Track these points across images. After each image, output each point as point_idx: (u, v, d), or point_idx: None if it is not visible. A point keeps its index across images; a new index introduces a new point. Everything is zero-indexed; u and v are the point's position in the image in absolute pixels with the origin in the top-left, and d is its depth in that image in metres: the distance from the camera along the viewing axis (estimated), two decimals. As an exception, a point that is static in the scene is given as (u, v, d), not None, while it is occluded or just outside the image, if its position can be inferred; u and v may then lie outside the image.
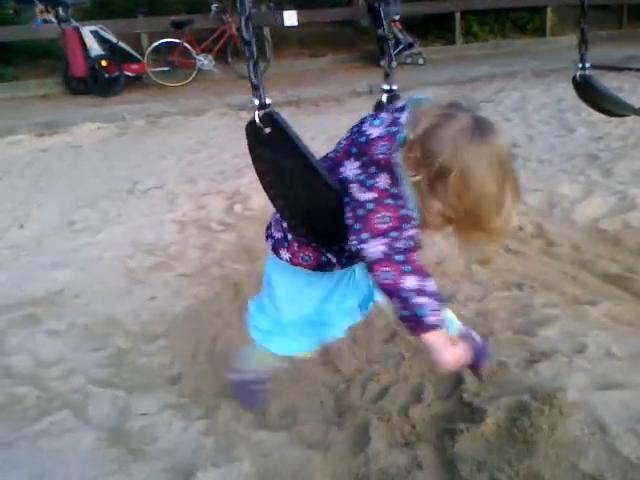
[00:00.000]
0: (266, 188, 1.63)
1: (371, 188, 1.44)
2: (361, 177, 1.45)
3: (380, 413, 1.95)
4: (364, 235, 1.45)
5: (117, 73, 9.23)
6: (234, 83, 9.74)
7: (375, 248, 1.44)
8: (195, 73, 10.03)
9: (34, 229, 3.93)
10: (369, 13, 11.10)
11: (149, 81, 9.79)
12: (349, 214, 1.47)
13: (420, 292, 1.44)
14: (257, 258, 3.22)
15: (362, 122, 1.56)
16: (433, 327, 1.46)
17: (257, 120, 1.55)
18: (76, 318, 2.68)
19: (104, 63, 9.07)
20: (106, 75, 9.15)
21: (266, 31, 10.92)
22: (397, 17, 10.74)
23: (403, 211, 1.43)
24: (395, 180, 1.42)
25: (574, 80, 2.92)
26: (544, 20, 13.42)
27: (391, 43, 9.92)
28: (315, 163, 1.52)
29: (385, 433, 1.85)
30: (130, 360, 2.37)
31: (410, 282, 1.44)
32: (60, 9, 9.07)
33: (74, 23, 9.04)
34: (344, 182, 1.48)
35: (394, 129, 1.44)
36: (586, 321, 2.35)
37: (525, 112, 6.66)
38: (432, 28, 13.01)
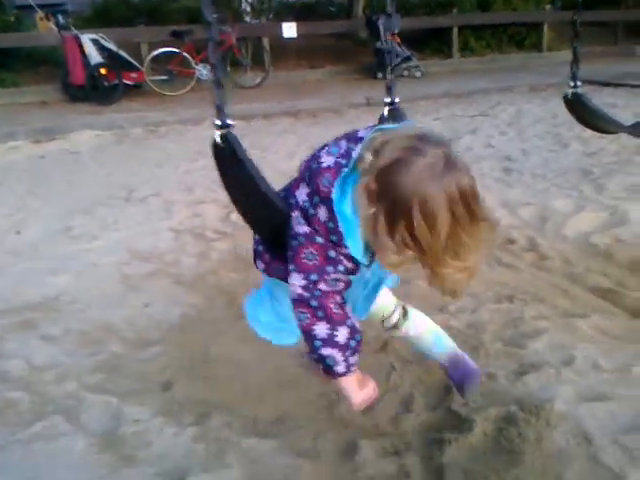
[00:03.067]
0: (232, 202, 1.73)
1: (311, 219, 1.43)
2: (306, 204, 1.45)
3: (370, 422, 1.98)
4: (291, 267, 1.48)
5: (116, 81, 9.28)
6: (232, 93, 9.80)
7: (295, 285, 1.46)
8: (194, 82, 10.08)
9: (31, 235, 3.95)
10: (367, 26, 11.23)
11: (148, 89, 9.84)
12: (289, 240, 1.50)
13: (329, 342, 1.46)
14: (252, 267, 3.24)
15: (324, 147, 1.54)
16: (340, 375, 1.51)
17: (218, 139, 1.68)
18: (72, 324, 2.70)
19: (103, 71, 9.12)
20: (105, 83, 9.20)
21: (265, 42, 11.00)
22: (396, 30, 10.83)
23: (331, 252, 1.42)
24: (332, 215, 1.38)
25: (565, 97, 2.98)
26: (541, 36, 13.55)
27: (389, 56, 9.92)
28: (264, 187, 1.59)
29: (374, 442, 1.87)
30: (124, 366, 2.39)
31: (321, 330, 1.46)
32: (60, 17, 9.14)
33: (74, 31, 9.10)
34: (293, 207, 1.49)
35: (343, 162, 1.40)
36: (575, 334, 2.38)
37: (520, 126, 6.73)
38: (430, 42, 13.12)
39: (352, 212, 1.37)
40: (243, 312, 1.92)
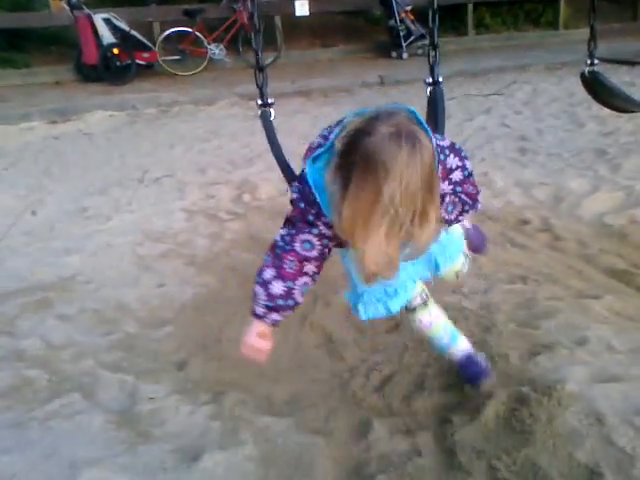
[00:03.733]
0: None
1: (300, 189, 1.58)
2: (303, 175, 1.58)
3: (382, 401, 1.99)
4: (284, 222, 1.67)
5: (129, 61, 9.25)
6: (245, 73, 9.73)
7: (279, 233, 1.67)
8: (206, 62, 10.03)
9: (46, 215, 3.98)
10: (381, 3, 11.08)
11: (160, 70, 9.80)
12: None
13: (264, 285, 1.65)
14: (265, 247, 3.26)
15: (327, 127, 1.68)
16: (254, 314, 1.68)
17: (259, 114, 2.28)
18: (86, 303, 2.73)
19: (116, 51, 9.09)
20: (118, 63, 9.17)
21: (277, 20, 10.90)
22: (409, 8, 10.70)
23: (309, 217, 1.58)
24: (310, 187, 1.53)
25: (582, 76, 2.93)
26: (557, 13, 13.31)
27: (402, 34, 9.93)
28: (278, 155, 2.05)
29: (387, 421, 1.89)
30: (139, 345, 2.43)
31: (267, 274, 1.65)
32: (73, -4, 9.10)
33: (86, 10, 9.07)
34: (294, 176, 1.77)
35: (321, 142, 1.58)
36: (589, 315, 2.37)
37: (536, 105, 6.65)
38: (445, 19, 12.92)
39: (324, 186, 1.50)
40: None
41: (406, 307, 1.93)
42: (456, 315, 2.31)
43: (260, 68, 2.20)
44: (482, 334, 2.26)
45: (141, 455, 1.77)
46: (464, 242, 1.97)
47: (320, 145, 1.56)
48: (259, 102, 2.25)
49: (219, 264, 3.13)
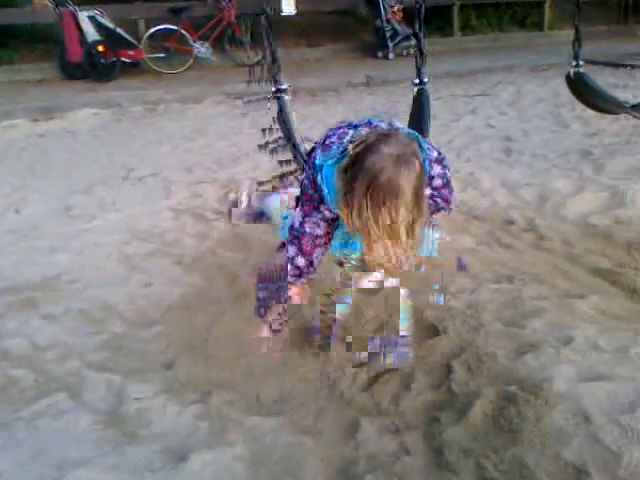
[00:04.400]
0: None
1: (312, 177, 1.95)
2: (312, 165, 1.95)
3: (371, 401, 2.00)
4: (299, 202, 2.09)
5: (114, 59, 9.20)
6: (231, 71, 9.72)
7: (296, 217, 2.08)
8: (192, 60, 10.00)
9: (31, 214, 3.95)
10: (368, 3, 11.10)
11: (146, 68, 9.76)
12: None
13: (290, 260, 2.12)
14: (252, 246, 3.26)
15: (339, 127, 1.96)
16: (289, 283, 2.16)
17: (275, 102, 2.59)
18: (72, 303, 2.71)
19: (101, 48, 9.04)
20: (103, 61, 9.12)
21: (263, 19, 10.85)
22: (396, 8, 10.72)
23: (315, 203, 1.99)
24: (319, 180, 1.89)
25: (567, 77, 2.96)
26: (542, 14, 13.41)
27: (389, 34, 10.00)
28: (293, 138, 2.49)
29: (375, 420, 1.89)
30: (126, 345, 2.41)
31: (291, 251, 2.11)
32: (56, -8, 9.01)
33: (71, 7, 8.99)
34: (309, 161, 2.01)
35: (337, 142, 1.86)
36: (574, 314, 2.39)
37: (521, 106, 6.70)
38: (431, 20, 12.96)
39: (333, 183, 1.82)
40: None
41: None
42: (443, 314, 2.32)
43: (274, 59, 2.59)
44: (469, 333, 2.27)
45: (129, 455, 1.76)
46: (435, 236, 2.30)
47: (335, 145, 1.85)
48: (273, 89, 2.59)
49: (206, 263, 3.11)
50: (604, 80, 6.86)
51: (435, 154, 2.01)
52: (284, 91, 2.34)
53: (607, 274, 2.78)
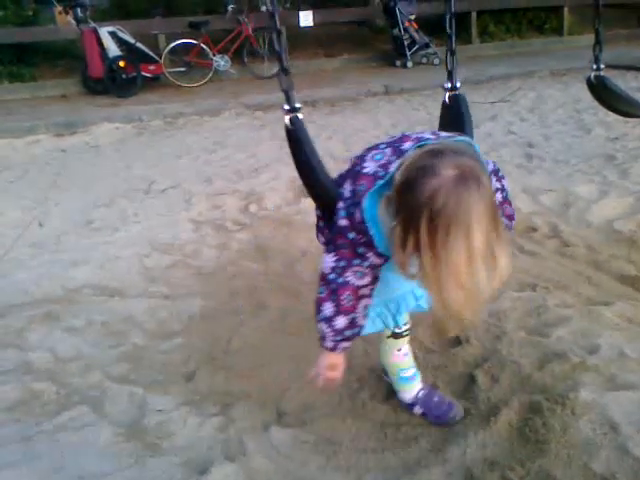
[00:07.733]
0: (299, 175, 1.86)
1: (349, 215, 1.51)
2: (348, 200, 1.53)
3: (392, 412, 1.97)
4: (330, 245, 1.60)
5: (134, 74, 9.30)
6: (250, 83, 9.79)
7: (327, 262, 1.58)
8: (211, 74, 10.07)
9: (53, 227, 3.99)
10: (385, 13, 11.12)
11: (166, 82, 9.85)
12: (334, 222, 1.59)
13: (328, 322, 1.61)
14: (272, 257, 3.25)
15: (370, 150, 1.59)
16: (325, 348, 1.66)
17: (287, 122, 1.85)
18: (94, 315, 2.72)
19: (122, 64, 9.15)
20: (124, 76, 9.22)
21: (282, 31, 10.95)
22: (413, 17, 10.72)
23: (359, 249, 1.53)
24: (363, 219, 1.47)
25: (588, 81, 2.91)
26: (561, 19, 13.31)
27: (406, 43, 9.96)
28: (319, 170, 1.77)
29: (396, 430, 1.87)
30: (147, 357, 2.41)
31: (327, 309, 1.60)
32: (79, 10, 9.15)
33: (92, 24, 9.13)
34: (341, 196, 1.56)
35: (381, 173, 1.46)
36: (600, 322, 2.35)
37: (542, 112, 6.63)
38: (448, 27, 12.94)
39: (380, 221, 1.46)
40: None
41: (394, 332, 1.91)
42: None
43: (285, 70, 1.92)
44: (492, 342, 2.24)
45: (149, 468, 1.75)
46: None
47: (379, 177, 1.45)
48: (286, 107, 1.88)
49: (226, 275, 3.12)
50: (626, 84, 6.78)
51: (491, 165, 1.62)
52: (297, 110, 1.86)
53: (633, 280, 2.73)
